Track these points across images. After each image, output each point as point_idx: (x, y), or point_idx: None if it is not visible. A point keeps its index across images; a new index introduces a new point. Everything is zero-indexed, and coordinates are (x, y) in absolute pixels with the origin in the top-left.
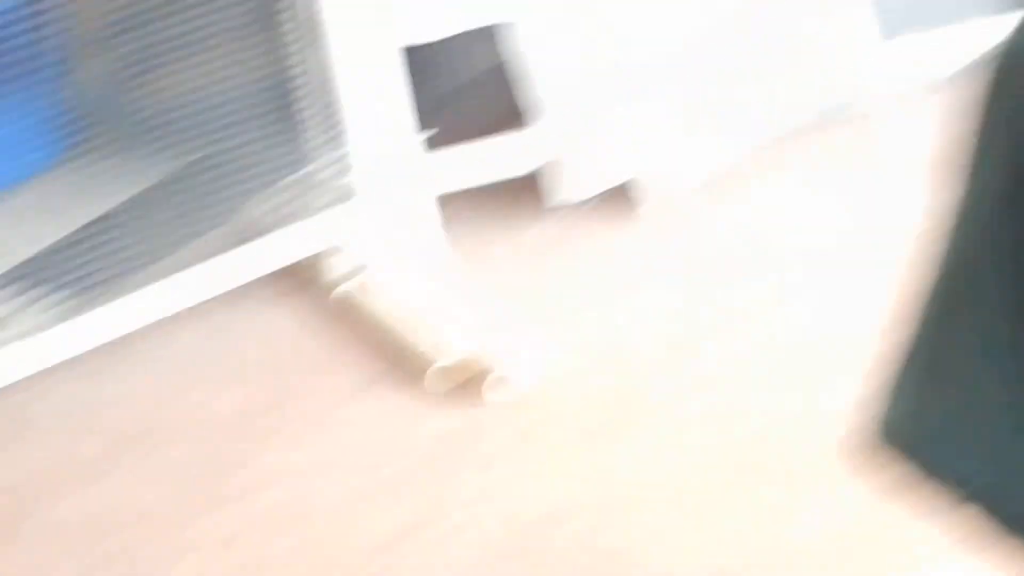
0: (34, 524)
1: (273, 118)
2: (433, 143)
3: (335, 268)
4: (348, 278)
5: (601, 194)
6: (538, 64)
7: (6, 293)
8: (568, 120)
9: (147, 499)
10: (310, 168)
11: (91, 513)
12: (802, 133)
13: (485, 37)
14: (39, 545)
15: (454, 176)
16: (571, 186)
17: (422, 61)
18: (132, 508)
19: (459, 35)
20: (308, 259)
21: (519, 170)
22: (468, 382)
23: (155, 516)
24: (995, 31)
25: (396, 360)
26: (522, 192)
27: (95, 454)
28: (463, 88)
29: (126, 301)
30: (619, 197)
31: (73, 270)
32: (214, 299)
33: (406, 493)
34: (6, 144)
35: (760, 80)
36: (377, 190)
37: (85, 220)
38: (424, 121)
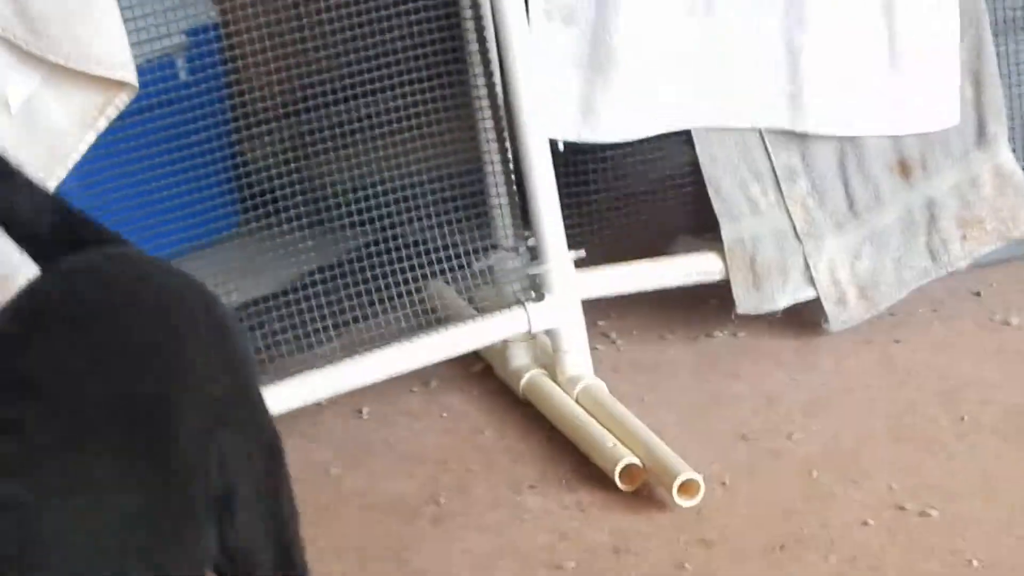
0: None
1: (463, 203)
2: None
3: (523, 356)
4: (535, 367)
5: (787, 308)
6: (725, 170)
7: None
8: (751, 231)
9: (332, 572)
10: (498, 255)
11: None
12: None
13: (675, 142)
14: None
15: (631, 283)
16: (758, 297)
17: (612, 162)
18: None
19: (651, 138)
20: (496, 345)
21: (704, 278)
22: (652, 483)
23: None
24: None
25: (580, 454)
26: (709, 296)
27: None
28: (649, 190)
29: (306, 375)
30: (805, 312)
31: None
32: (396, 379)
33: None
34: (188, 207)
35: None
36: (563, 285)
37: (261, 292)
38: (607, 221)
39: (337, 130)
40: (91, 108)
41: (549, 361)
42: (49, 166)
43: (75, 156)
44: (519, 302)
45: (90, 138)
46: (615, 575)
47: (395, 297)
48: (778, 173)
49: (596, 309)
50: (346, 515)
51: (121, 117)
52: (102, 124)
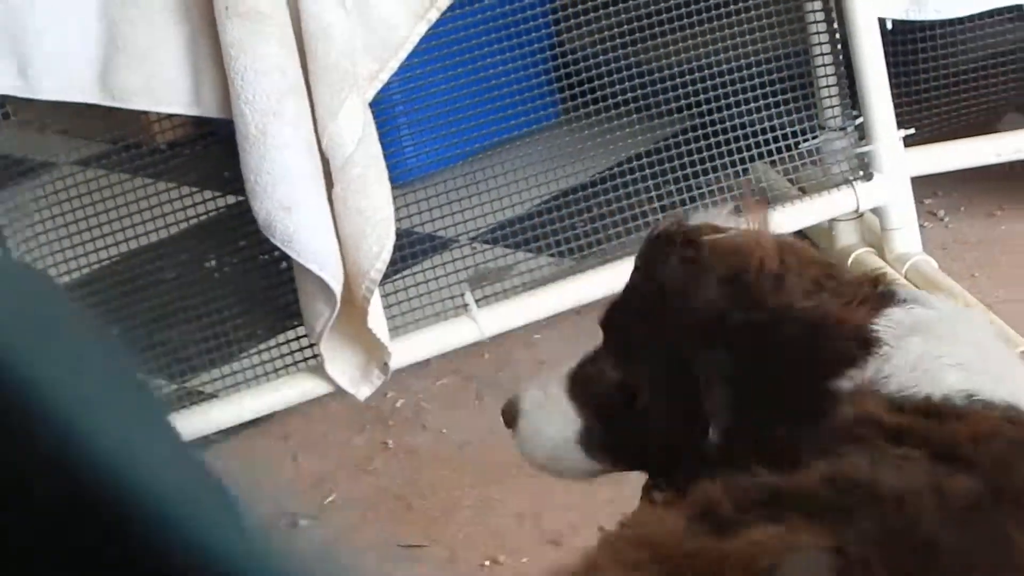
0: None
1: (789, 85)
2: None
3: (850, 235)
4: (863, 246)
5: None
6: None
7: (507, 246)
8: None
9: None
10: (825, 136)
11: None
12: None
13: (1003, 19)
14: None
15: (961, 159)
16: None
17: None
18: None
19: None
20: (822, 225)
21: None
22: None
23: None
24: None
25: None
26: None
27: None
28: (977, 68)
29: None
30: None
31: (570, 229)
32: None
33: None
34: (510, 97)
35: None
36: (892, 163)
37: (586, 178)
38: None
39: (656, 17)
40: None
41: (876, 239)
42: (383, 57)
43: (407, 47)
44: (847, 181)
45: (421, 29)
46: None
47: (720, 179)
48: None
49: (922, 187)
50: None
51: (450, 8)
52: (433, 15)
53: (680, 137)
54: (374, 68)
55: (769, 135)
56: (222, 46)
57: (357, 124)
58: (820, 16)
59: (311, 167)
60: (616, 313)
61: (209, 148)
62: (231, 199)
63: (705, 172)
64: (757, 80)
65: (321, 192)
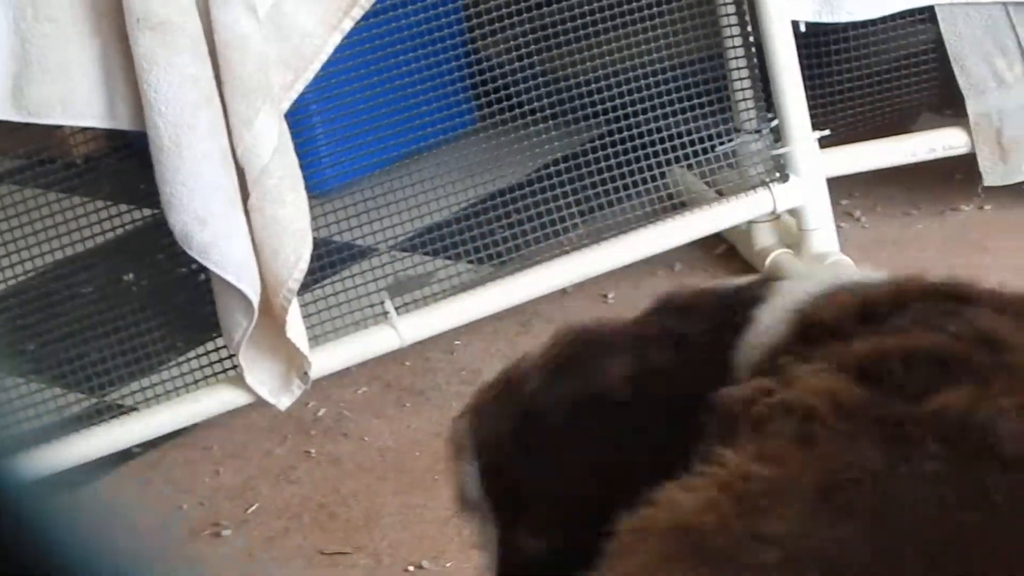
0: None
1: (704, 89)
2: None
3: (768, 237)
4: (781, 247)
5: None
6: (970, 46)
7: (426, 253)
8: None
9: None
10: (741, 139)
11: None
12: None
13: (916, 20)
14: None
15: (876, 159)
16: (1004, 169)
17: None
18: None
19: (892, 17)
20: (740, 227)
21: (949, 152)
22: None
23: None
24: None
25: None
26: (953, 171)
27: None
28: (891, 69)
29: (552, 263)
30: None
31: (488, 235)
32: (640, 263)
33: None
34: (427, 105)
35: None
36: (808, 164)
37: (504, 184)
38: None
39: (571, 24)
40: (336, 10)
41: (794, 240)
42: (298, 68)
43: (322, 57)
44: (764, 183)
45: (335, 39)
46: None
47: (638, 184)
48: None
49: (839, 188)
50: None
51: (364, 18)
52: (347, 25)
53: (597, 142)
54: (289, 78)
55: (686, 139)
56: (134, 58)
57: (273, 134)
58: (734, 20)
59: (226, 178)
60: (498, 500)
61: (124, 161)
62: (147, 212)
63: (622, 177)
64: (673, 85)
65: (237, 203)
